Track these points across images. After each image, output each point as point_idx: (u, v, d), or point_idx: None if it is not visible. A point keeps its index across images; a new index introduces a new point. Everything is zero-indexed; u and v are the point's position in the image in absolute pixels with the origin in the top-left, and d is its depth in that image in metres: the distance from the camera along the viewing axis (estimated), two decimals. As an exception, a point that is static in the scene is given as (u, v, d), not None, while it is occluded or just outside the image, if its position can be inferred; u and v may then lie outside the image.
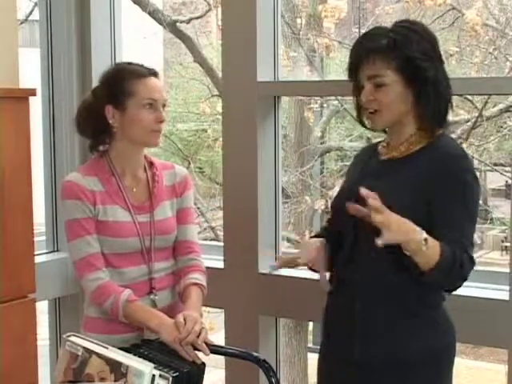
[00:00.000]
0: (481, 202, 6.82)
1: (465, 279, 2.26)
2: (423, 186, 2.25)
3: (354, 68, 2.38)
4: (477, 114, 5.99)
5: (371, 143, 2.64)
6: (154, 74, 2.66)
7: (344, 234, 2.41)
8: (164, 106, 2.66)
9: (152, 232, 2.65)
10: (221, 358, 3.06)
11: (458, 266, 2.19)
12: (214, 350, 2.48)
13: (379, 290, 2.30)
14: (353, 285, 2.34)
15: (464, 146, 6.09)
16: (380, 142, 2.53)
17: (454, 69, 6.26)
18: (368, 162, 2.49)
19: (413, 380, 2.30)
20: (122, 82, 2.63)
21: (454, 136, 5.93)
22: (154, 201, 2.69)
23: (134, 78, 2.62)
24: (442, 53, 2.41)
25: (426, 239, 2.15)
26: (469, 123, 6.13)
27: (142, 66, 2.68)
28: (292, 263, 2.54)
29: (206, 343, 2.44)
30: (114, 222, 2.61)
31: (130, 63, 2.71)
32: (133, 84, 2.62)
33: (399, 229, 2.13)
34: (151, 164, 2.75)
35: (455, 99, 6.25)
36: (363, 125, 2.49)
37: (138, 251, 2.63)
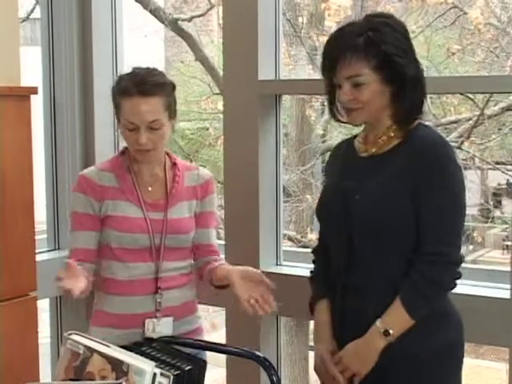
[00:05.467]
0: (482, 201, 6.81)
1: (447, 285, 2.27)
2: (407, 183, 2.25)
3: (329, 67, 2.34)
4: (478, 113, 5.99)
5: (345, 139, 2.60)
6: (142, 92, 2.53)
7: (335, 238, 2.39)
8: (152, 127, 2.55)
9: (164, 230, 2.65)
10: (222, 357, 3.06)
11: (431, 290, 2.22)
12: (215, 348, 2.49)
13: (388, 291, 2.26)
14: (361, 289, 2.31)
15: (466, 144, 6.09)
16: (355, 136, 2.50)
17: (455, 67, 6.25)
18: (346, 159, 2.46)
19: (429, 376, 2.29)
20: (114, 96, 2.63)
21: (455, 134, 5.93)
22: (170, 200, 2.68)
23: (120, 94, 2.59)
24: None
25: (386, 332, 2.22)
26: (470, 122, 6.13)
27: (138, 81, 2.56)
28: None
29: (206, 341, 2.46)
30: (123, 217, 2.63)
31: (132, 73, 2.61)
32: (120, 101, 2.59)
33: (361, 361, 2.26)
34: (174, 164, 2.74)
35: (457, 97, 6.23)
36: (337, 119, 2.44)
37: (146, 248, 2.63)
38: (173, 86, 2.66)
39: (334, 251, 2.40)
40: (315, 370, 2.41)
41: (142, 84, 2.55)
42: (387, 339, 2.23)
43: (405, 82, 2.28)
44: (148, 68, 2.64)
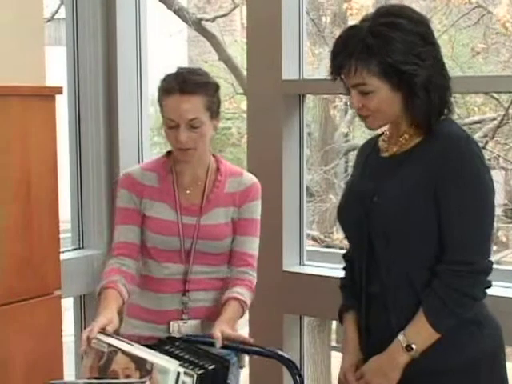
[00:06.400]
0: (506, 201, 6.74)
1: (475, 296, 2.11)
2: (429, 184, 2.09)
3: (336, 73, 2.18)
4: (503, 113, 5.95)
5: (373, 136, 2.41)
6: (183, 90, 2.53)
7: (356, 243, 2.28)
8: (192, 126, 2.54)
9: (195, 235, 2.63)
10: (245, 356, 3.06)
11: (457, 302, 2.08)
12: (238, 347, 2.48)
13: (411, 301, 2.13)
14: (383, 298, 2.18)
15: (490, 144, 6.05)
16: (380, 135, 2.34)
17: (480, 66, 6.22)
18: (369, 159, 2.32)
19: None
20: (158, 95, 2.62)
21: (480, 134, 5.89)
22: (205, 205, 2.66)
23: (163, 93, 2.58)
24: (435, 32, 2.19)
25: (408, 347, 2.09)
26: (495, 121, 6.10)
27: (180, 80, 2.55)
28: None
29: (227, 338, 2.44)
30: (157, 219, 2.64)
31: (176, 73, 2.60)
32: (162, 99, 2.58)
33: (384, 377, 2.13)
34: (217, 169, 2.70)
35: (481, 97, 6.18)
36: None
37: (176, 250, 2.64)
38: (216, 86, 2.63)
39: (356, 257, 2.29)
40: (338, 383, 2.33)
41: (184, 83, 2.54)
42: (410, 354, 2.09)
43: (415, 88, 2.10)
44: (192, 68, 2.67)
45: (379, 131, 2.33)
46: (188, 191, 2.67)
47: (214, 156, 2.72)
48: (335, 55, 2.17)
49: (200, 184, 2.68)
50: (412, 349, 2.09)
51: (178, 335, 2.56)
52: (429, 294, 2.10)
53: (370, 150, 2.34)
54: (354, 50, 2.10)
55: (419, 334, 2.10)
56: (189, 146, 2.56)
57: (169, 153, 2.71)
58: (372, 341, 2.23)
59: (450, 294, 2.07)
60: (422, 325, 2.10)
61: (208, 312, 2.67)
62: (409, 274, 2.14)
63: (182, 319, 2.64)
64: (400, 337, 2.11)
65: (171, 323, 2.63)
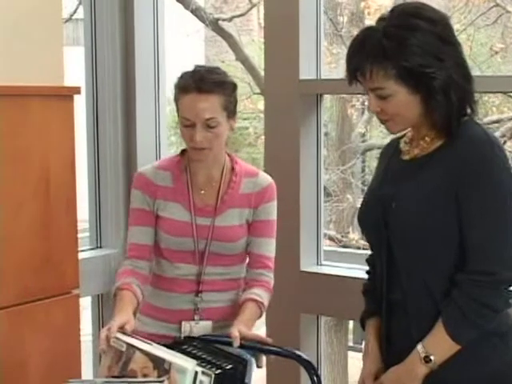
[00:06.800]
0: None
1: (497, 307, 2.03)
2: (451, 184, 2.02)
3: (352, 76, 2.12)
4: (521, 112, 5.93)
5: (393, 139, 2.35)
6: (200, 89, 2.50)
7: (376, 249, 2.24)
8: (208, 125, 2.52)
9: (209, 236, 2.62)
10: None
11: (478, 314, 2.01)
12: (256, 347, 2.48)
13: (430, 308, 2.08)
14: (403, 305, 2.13)
15: (508, 143, 6.01)
16: (402, 136, 2.27)
17: (498, 66, 6.19)
18: (390, 161, 2.26)
19: None
20: (175, 93, 2.59)
21: (498, 134, 5.86)
22: (219, 206, 2.64)
23: (180, 91, 2.56)
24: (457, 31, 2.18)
25: (426, 358, 2.03)
26: (513, 121, 6.07)
27: (197, 78, 2.52)
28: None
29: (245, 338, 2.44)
30: (170, 220, 2.62)
31: (193, 71, 2.58)
32: (179, 98, 2.56)
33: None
34: (232, 169, 2.68)
35: (499, 97, 6.15)
36: None
37: (190, 251, 2.63)
38: (234, 86, 2.60)
39: (377, 262, 2.23)
40: None
41: (201, 81, 2.51)
42: (428, 366, 2.03)
43: (433, 91, 2.04)
44: (210, 66, 2.64)
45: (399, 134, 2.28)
46: (202, 191, 2.66)
47: (229, 155, 2.70)
48: (351, 58, 2.12)
49: (215, 184, 2.66)
50: (430, 360, 2.04)
51: (194, 334, 2.57)
52: (448, 303, 2.05)
53: (392, 152, 2.28)
54: (370, 52, 2.05)
55: (438, 346, 2.05)
56: (204, 145, 2.54)
57: (183, 151, 2.70)
58: (393, 349, 2.19)
59: (469, 304, 2.01)
60: (441, 336, 2.04)
61: (220, 313, 2.66)
62: (427, 281, 2.09)
63: (193, 319, 2.63)
64: (419, 347, 2.05)
65: (183, 323, 2.63)
